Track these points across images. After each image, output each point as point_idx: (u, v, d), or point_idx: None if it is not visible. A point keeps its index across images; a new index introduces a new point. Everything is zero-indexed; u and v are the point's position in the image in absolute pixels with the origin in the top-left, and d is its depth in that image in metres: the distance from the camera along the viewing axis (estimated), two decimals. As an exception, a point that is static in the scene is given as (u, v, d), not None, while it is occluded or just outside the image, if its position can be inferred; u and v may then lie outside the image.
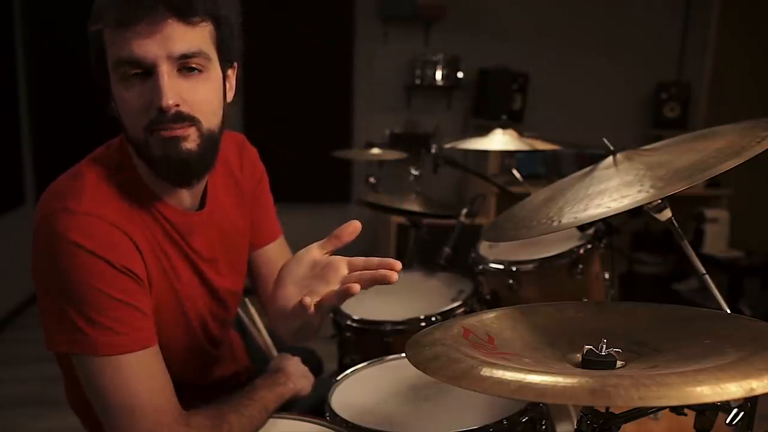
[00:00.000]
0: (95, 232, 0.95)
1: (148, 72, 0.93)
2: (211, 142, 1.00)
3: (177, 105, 0.94)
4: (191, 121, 0.96)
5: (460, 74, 4.13)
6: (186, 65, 0.95)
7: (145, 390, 0.96)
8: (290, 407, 1.23)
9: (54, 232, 0.94)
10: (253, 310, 1.41)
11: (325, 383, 1.28)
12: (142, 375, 0.96)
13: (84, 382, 0.98)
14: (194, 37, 0.94)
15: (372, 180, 2.48)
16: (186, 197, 1.09)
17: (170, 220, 1.07)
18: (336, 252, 1.01)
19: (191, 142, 0.97)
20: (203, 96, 0.97)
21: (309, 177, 4.16)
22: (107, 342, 0.94)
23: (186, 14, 0.92)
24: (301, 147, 4.12)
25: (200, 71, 0.97)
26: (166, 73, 0.92)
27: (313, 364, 1.66)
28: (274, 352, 1.35)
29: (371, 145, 2.89)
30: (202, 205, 1.13)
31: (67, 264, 0.93)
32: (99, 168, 1.03)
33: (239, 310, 1.41)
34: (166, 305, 1.07)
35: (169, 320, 1.09)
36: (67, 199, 0.96)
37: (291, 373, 1.24)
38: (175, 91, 0.93)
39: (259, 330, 1.38)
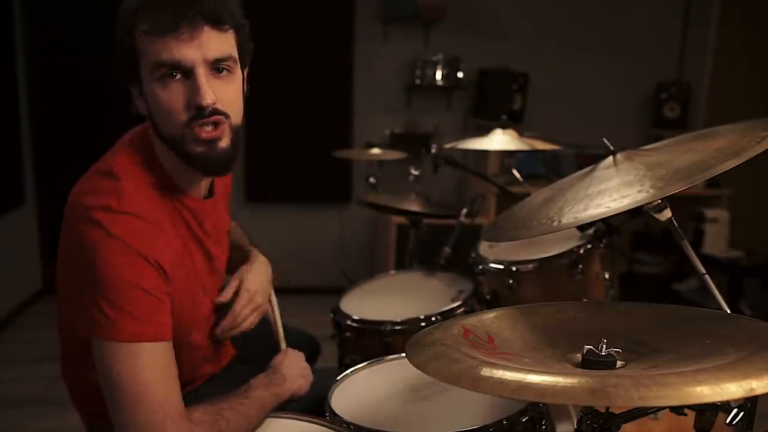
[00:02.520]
0: (135, 229, 1.03)
1: (185, 74, 1.03)
2: (238, 136, 1.11)
3: (214, 103, 1.04)
4: (225, 116, 1.07)
5: (460, 74, 4.12)
6: (218, 67, 1.05)
7: (155, 380, 1.00)
8: (289, 406, 1.24)
9: (93, 226, 1.02)
10: (275, 302, 1.46)
11: (324, 381, 1.29)
12: (154, 365, 1.01)
13: (99, 366, 1.03)
14: (224, 43, 1.06)
15: (372, 180, 2.48)
16: (203, 187, 1.20)
17: (190, 208, 1.17)
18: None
19: (225, 140, 1.08)
20: (232, 95, 1.09)
21: (309, 177, 4.15)
22: (130, 329, 1.00)
23: (218, 22, 1.04)
24: (301, 147, 4.12)
25: (229, 72, 1.07)
26: (203, 75, 1.03)
27: (311, 349, 1.67)
28: (283, 345, 1.41)
29: (371, 145, 2.88)
30: (210, 192, 1.24)
31: (104, 255, 1.00)
32: (131, 166, 1.11)
33: None
34: (180, 294, 1.12)
35: (181, 308, 1.13)
36: (107, 197, 1.05)
37: (288, 374, 1.26)
38: (211, 90, 1.03)
39: (275, 320, 1.44)
